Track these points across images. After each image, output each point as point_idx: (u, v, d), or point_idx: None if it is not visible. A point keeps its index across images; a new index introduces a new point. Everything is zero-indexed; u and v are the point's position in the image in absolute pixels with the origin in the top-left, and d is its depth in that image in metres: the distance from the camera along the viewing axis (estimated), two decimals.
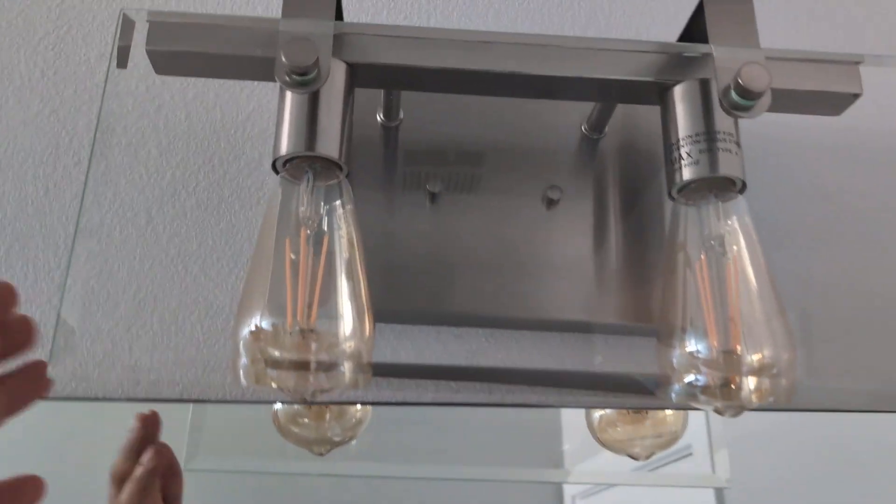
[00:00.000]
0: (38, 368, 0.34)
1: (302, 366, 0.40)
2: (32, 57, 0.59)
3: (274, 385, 0.40)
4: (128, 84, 0.55)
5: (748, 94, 0.43)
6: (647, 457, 0.59)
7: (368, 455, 0.60)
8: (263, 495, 0.62)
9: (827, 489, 0.63)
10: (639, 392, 0.50)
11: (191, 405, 0.57)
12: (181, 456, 0.57)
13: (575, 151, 0.57)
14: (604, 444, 0.60)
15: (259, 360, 0.40)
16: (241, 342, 0.41)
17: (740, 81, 0.42)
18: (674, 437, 0.59)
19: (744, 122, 0.45)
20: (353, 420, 0.58)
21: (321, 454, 0.57)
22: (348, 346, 0.42)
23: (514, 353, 0.54)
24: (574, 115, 0.57)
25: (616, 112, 0.58)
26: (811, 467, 0.63)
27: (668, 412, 0.59)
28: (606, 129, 0.57)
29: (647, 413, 0.59)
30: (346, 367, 0.41)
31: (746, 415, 0.43)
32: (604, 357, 0.54)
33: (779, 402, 0.43)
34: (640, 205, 0.56)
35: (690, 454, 0.62)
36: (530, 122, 0.57)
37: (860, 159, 0.59)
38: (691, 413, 0.60)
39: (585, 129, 0.57)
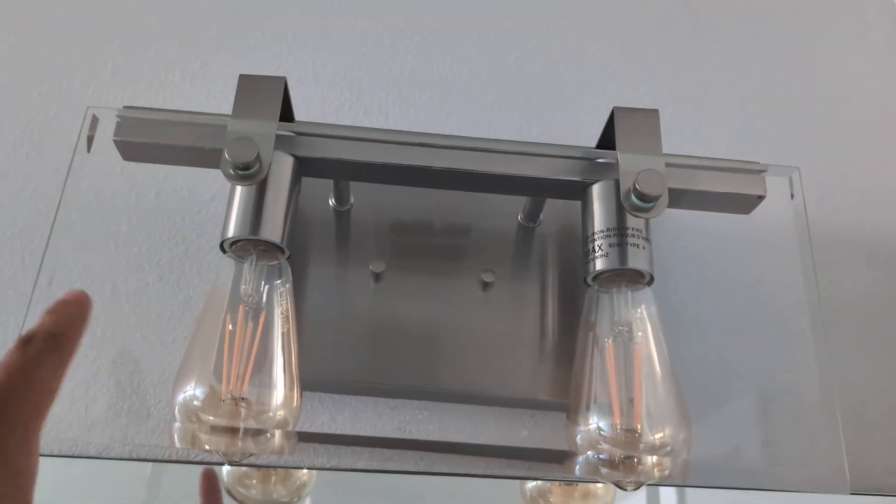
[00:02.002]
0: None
1: (232, 431, 0.44)
2: (21, 138, 0.65)
3: (206, 447, 0.44)
4: (99, 165, 0.60)
5: (645, 198, 0.48)
6: None
7: None
8: None
9: None
10: (556, 463, 0.54)
11: (150, 464, 0.61)
12: None
13: (511, 238, 0.62)
14: None
15: (193, 424, 0.44)
16: (177, 407, 0.45)
17: (637, 186, 0.47)
18: None
19: (667, 218, 0.50)
20: (298, 483, 0.61)
21: None
22: (277, 414, 0.46)
23: (445, 424, 0.58)
24: (511, 205, 0.62)
25: (555, 202, 0.63)
26: None
27: (599, 485, 0.63)
28: (541, 217, 0.62)
29: (576, 485, 0.62)
30: (274, 434, 0.45)
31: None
32: (528, 432, 0.57)
33: (674, 478, 0.47)
34: (572, 288, 0.61)
35: None
36: (471, 210, 0.62)
37: (776, 252, 0.64)
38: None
39: (521, 217, 0.62)
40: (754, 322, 0.62)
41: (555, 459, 0.52)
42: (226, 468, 0.61)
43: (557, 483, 0.63)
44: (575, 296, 0.60)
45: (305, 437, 0.48)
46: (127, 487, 0.60)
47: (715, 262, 0.64)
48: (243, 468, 0.61)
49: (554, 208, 0.63)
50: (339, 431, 0.56)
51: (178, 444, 0.44)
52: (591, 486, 0.63)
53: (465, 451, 0.54)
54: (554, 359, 0.58)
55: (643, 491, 0.65)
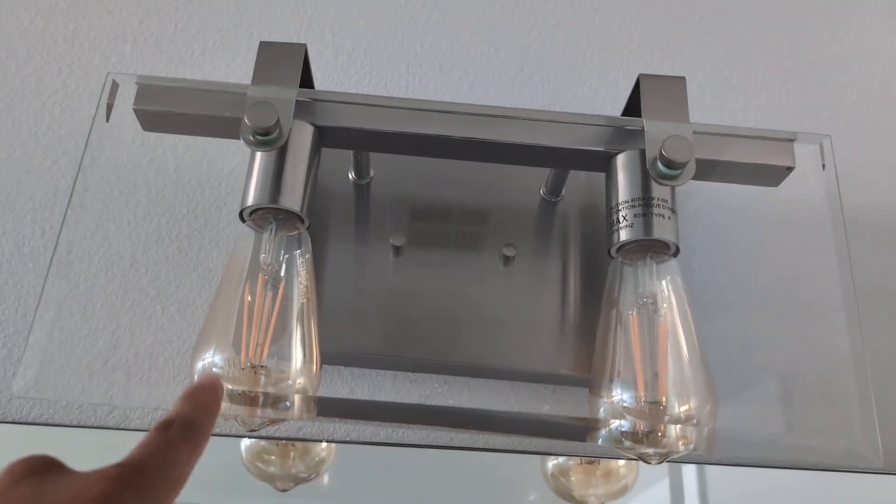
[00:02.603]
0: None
1: (251, 399, 0.44)
2: (41, 112, 0.65)
3: (224, 414, 0.44)
4: (118, 137, 0.60)
5: (672, 164, 0.46)
6: None
7: (336, 497, 0.63)
8: None
9: None
10: (578, 437, 0.53)
11: None
12: None
13: (533, 212, 0.61)
14: (557, 493, 0.62)
15: None
16: (196, 374, 0.44)
17: (664, 153, 0.46)
18: (624, 488, 0.62)
19: (698, 195, 0.48)
20: (317, 459, 0.61)
21: (284, 490, 0.60)
22: (296, 382, 0.45)
23: (465, 398, 0.57)
24: (533, 179, 0.61)
25: (578, 176, 0.62)
26: None
27: (621, 463, 0.62)
28: (563, 192, 0.61)
29: (598, 463, 0.61)
30: (293, 401, 0.45)
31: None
32: (550, 406, 0.57)
33: (699, 450, 0.46)
34: (594, 263, 0.60)
35: None
36: (493, 184, 0.62)
37: (805, 227, 0.62)
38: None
39: (544, 192, 0.61)
40: (782, 299, 0.61)
41: (577, 432, 0.51)
42: (244, 444, 0.61)
43: (579, 462, 0.62)
44: (598, 270, 0.59)
45: (324, 406, 0.48)
46: None
47: (742, 239, 0.63)
48: (262, 443, 0.60)
49: (576, 183, 0.62)
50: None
51: None
52: (613, 465, 0.62)
53: (486, 422, 0.53)
54: (576, 333, 0.57)
55: (666, 479, 0.64)
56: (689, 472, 0.63)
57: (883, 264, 0.64)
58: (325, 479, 0.63)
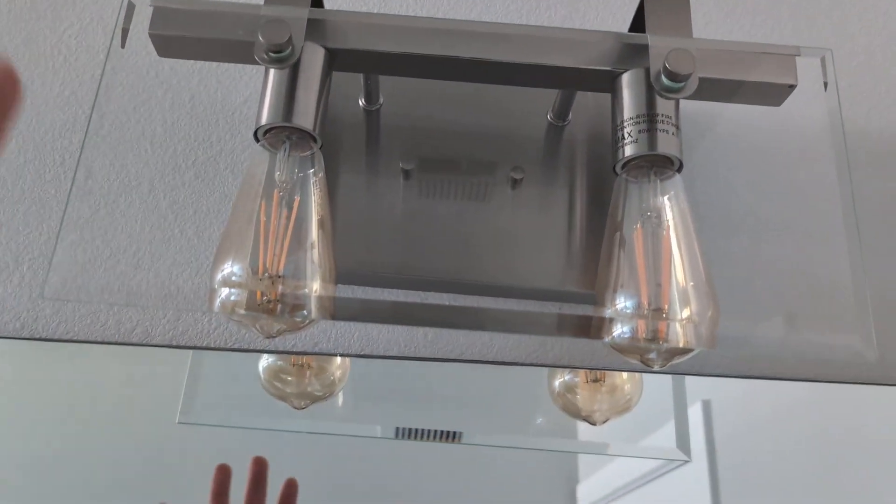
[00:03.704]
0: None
1: (268, 310, 0.46)
2: (58, 45, 0.66)
3: (241, 321, 0.46)
4: (134, 67, 0.62)
5: (675, 77, 0.48)
6: (604, 422, 0.63)
7: (350, 416, 0.65)
8: (257, 450, 0.67)
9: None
10: (582, 335, 0.54)
11: (189, 361, 0.63)
12: (177, 410, 0.63)
13: (541, 136, 0.62)
14: (564, 410, 0.64)
15: (231, 299, 0.46)
16: (217, 283, 0.46)
17: (667, 65, 0.47)
18: (628, 404, 0.64)
19: (697, 113, 0.49)
20: (332, 378, 0.63)
21: (301, 408, 0.62)
22: (312, 290, 0.47)
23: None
24: (541, 104, 0.62)
25: (585, 102, 0.63)
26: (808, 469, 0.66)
27: (625, 378, 0.64)
28: (570, 116, 0.62)
29: (603, 380, 0.63)
30: (310, 309, 0.47)
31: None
32: None
33: (701, 345, 0.48)
34: (601, 185, 0.61)
35: (689, 461, 0.67)
36: (501, 109, 0.63)
37: (807, 147, 0.63)
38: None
39: (551, 116, 0.63)
40: (784, 219, 0.62)
41: (583, 329, 0.52)
42: (262, 364, 0.63)
43: (585, 380, 0.64)
44: (604, 192, 0.60)
45: (341, 308, 0.49)
46: (162, 389, 0.62)
47: (745, 159, 0.64)
48: (280, 363, 0.62)
49: (584, 108, 0.63)
50: (372, 339, 0.58)
51: (216, 310, 0.46)
52: (619, 381, 0.64)
53: (495, 321, 0.54)
54: (583, 252, 0.59)
55: (669, 400, 0.66)
56: (694, 411, 0.65)
57: (884, 182, 0.65)
58: (340, 399, 0.65)
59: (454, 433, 0.64)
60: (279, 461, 0.63)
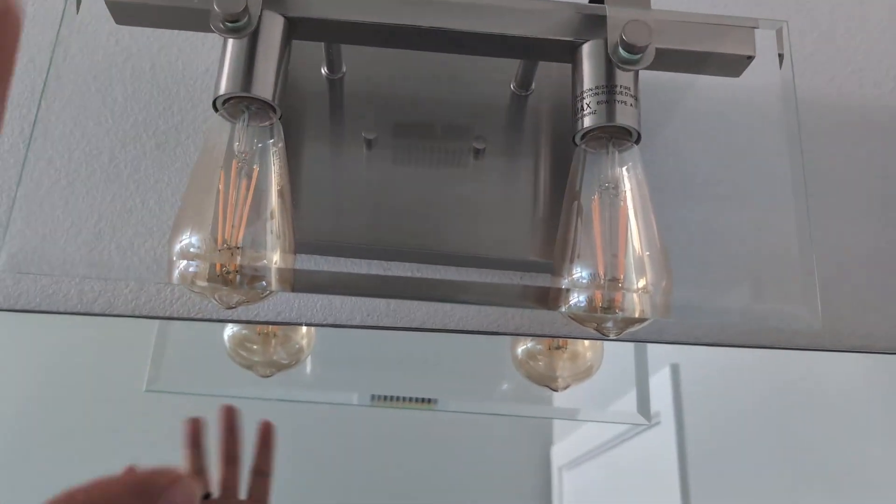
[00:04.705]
0: None
1: (228, 277, 0.46)
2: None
3: (201, 292, 0.46)
4: (93, 34, 0.61)
5: (632, 49, 0.48)
6: (565, 387, 0.64)
7: (317, 384, 0.66)
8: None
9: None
10: (541, 306, 0.55)
11: (155, 329, 0.63)
12: (144, 379, 0.63)
13: (504, 106, 0.63)
14: (527, 377, 0.65)
15: (190, 270, 0.46)
16: (175, 254, 0.46)
17: (624, 37, 0.48)
18: (589, 371, 0.65)
19: (656, 84, 0.49)
20: (297, 346, 0.64)
21: (266, 376, 0.63)
22: (272, 261, 0.48)
23: None
24: (504, 73, 0.63)
25: (549, 70, 0.63)
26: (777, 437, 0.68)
27: (586, 346, 0.65)
28: (534, 86, 0.63)
29: (565, 347, 0.64)
30: (269, 280, 0.47)
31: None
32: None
33: (656, 315, 0.49)
34: (564, 156, 0.62)
35: (659, 423, 0.68)
36: (464, 78, 0.63)
37: (764, 117, 0.64)
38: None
39: (514, 86, 0.63)
40: (740, 188, 0.63)
41: (541, 299, 0.53)
42: (227, 333, 0.63)
43: (547, 347, 0.65)
44: (567, 162, 0.60)
45: (301, 280, 0.50)
46: (128, 359, 0.63)
47: (703, 129, 0.65)
48: (244, 332, 0.63)
49: (547, 78, 0.63)
50: (335, 308, 0.58)
51: (175, 281, 0.46)
52: (580, 347, 0.66)
53: (456, 290, 0.55)
54: (546, 221, 0.59)
55: (631, 365, 0.67)
56: (663, 375, 0.67)
57: (838, 152, 0.66)
58: (308, 367, 0.66)
59: (429, 399, 0.65)
60: (249, 429, 0.64)
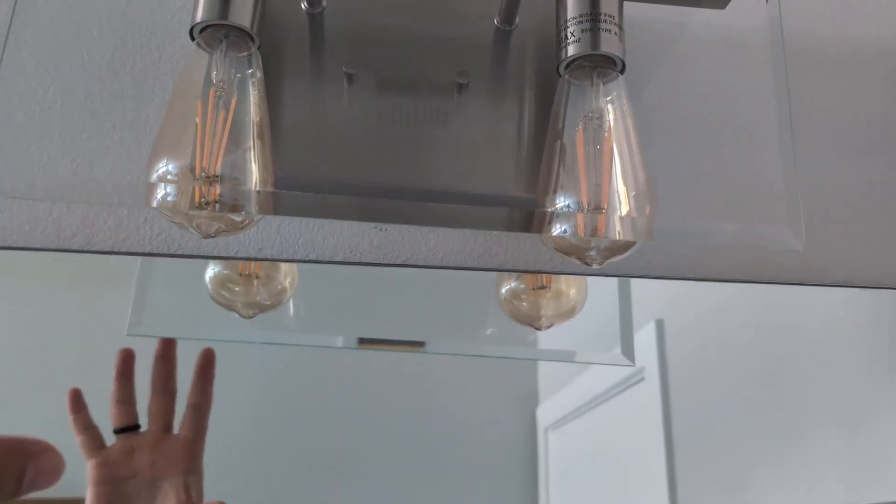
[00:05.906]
0: None
1: (207, 206, 0.46)
2: None
3: (180, 222, 0.45)
4: None
5: None
6: (548, 326, 0.64)
7: (299, 326, 0.66)
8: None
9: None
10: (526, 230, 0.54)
11: (137, 270, 0.62)
12: (125, 324, 0.62)
13: (488, 41, 0.62)
14: (512, 316, 0.65)
15: (168, 199, 0.45)
16: (154, 179, 0.46)
17: None
18: (573, 310, 0.65)
19: (641, 20, 0.49)
20: (279, 287, 0.63)
21: (249, 317, 0.63)
22: (250, 188, 0.47)
23: (422, 232, 0.59)
24: (487, 7, 0.62)
25: (534, 7, 0.62)
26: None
27: (570, 285, 0.65)
28: (517, 21, 0.62)
29: (549, 286, 0.64)
30: (249, 208, 0.47)
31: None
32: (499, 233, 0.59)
33: (638, 239, 0.49)
34: (548, 90, 0.61)
35: (643, 379, 0.68)
36: (447, 12, 0.62)
37: (751, 56, 0.64)
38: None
39: (498, 21, 0.62)
40: (726, 126, 0.62)
41: (526, 225, 0.52)
42: (208, 274, 0.63)
43: (531, 286, 0.65)
44: (551, 97, 0.60)
45: (282, 204, 0.49)
46: (110, 303, 0.62)
47: (689, 67, 0.64)
48: (226, 272, 0.62)
49: (532, 12, 0.62)
50: (317, 244, 0.57)
51: (154, 205, 0.45)
52: (563, 287, 0.65)
53: (439, 215, 0.54)
54: (531, 157, 0.58)
55: (615, 311, 0.67)
56: (647, 330, 0.67)
57: (824, 91, 0.66)
58: (291, 309, 0.65)
59: (418, 341, 0.64)
60: (233, 373, 0.63)
